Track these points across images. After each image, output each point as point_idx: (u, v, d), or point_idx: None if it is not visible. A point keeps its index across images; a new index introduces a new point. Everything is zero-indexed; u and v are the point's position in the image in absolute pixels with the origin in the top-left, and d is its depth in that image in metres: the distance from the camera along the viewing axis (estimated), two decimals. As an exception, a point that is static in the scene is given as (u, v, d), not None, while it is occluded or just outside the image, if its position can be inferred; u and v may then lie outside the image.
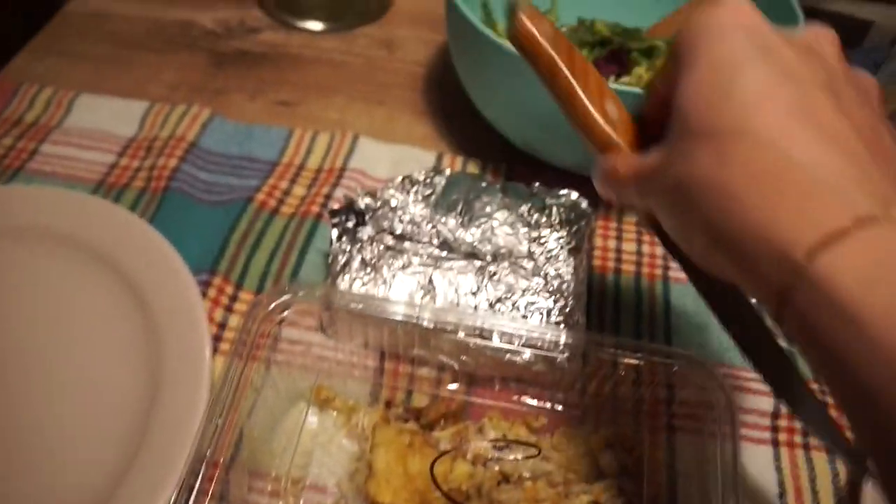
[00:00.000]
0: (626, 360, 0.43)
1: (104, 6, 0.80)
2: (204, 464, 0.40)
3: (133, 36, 0.77)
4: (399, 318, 0.44)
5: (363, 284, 0.49)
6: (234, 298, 0.55)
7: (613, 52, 0.63)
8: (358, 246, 0.51)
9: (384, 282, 0.49)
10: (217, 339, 0.53)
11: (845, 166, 0.26)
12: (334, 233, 0.52)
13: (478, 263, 0.49)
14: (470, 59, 0.60)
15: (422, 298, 0.48)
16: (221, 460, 0.42)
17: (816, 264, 0.24)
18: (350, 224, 0.53)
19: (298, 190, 0.63)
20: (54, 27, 0.77)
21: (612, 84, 0.61)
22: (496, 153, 0.65)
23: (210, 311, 0.54)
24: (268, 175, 0.64)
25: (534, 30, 0.36)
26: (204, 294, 0.55)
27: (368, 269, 0.49)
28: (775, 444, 0.49)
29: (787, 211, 0.26)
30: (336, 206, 0.56)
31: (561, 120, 0.54)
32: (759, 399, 0.51)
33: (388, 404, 0.49)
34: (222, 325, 0.54)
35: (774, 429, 0.50)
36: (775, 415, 0.51)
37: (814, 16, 0.82)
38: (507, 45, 0.53)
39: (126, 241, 0.55)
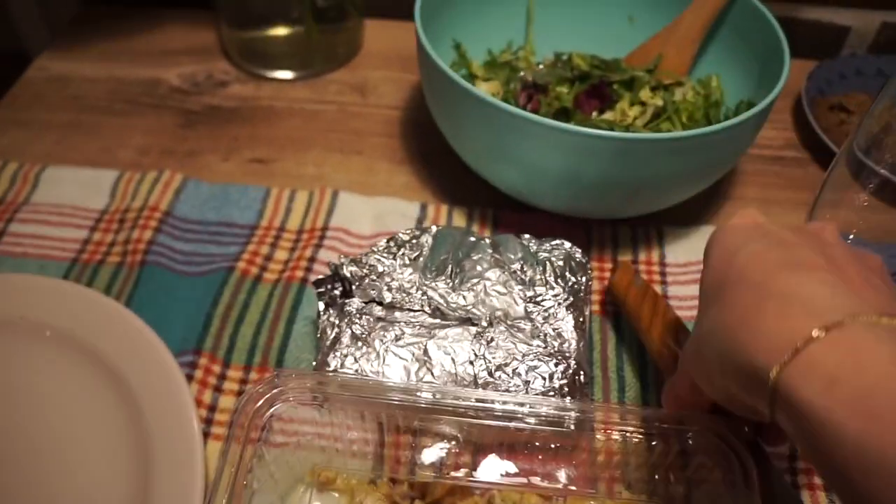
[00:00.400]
0: (637, 430, 0.41)
1: (65, 69, 0.77)
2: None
3: (97, 99, 0.74)
4: (395, 400, 0.42)
5: (355, 360, 0.47)
6: (222, 377, 0.53)
7: (594, 87, 0.62)
8: (346, 319, 0.48)
9: (377, 356, 0.47)
10: (208, 422, 0.51)
11: (820, 289, 0.31)
12: (320, 305, 0.50)
13: (473, 329, 0.47)
14: (446, 109, 0.58)
15: (417, 372, 0.46)
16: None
17: (785, 377, 0.28)
18: (337, 292, 0.51)
19: (280, 254, 0.60)
20: (14, 96, 0.74)
21: (595, 117, 0.60)
22: (481, 198, 0.64)
23: (199, 393, 0.52)
24: (248, 240, 0.61)
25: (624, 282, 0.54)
26: (191, 376, 0.52)
27: (360, 344, 0.47)
28: (795, 487, 0.48)
29: (765, 333, 0.30)
30: (320, 271, 0.53)
31: (543, 166, 0.53)
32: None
33: (393, 481, 0.47)
34: (212, 408, 0.52)
35: (793, 471, 0.49)
36: (792, 457, 0.49)
37: (792, 24, 0.81)
38: (481, 92, 0.52)
39: (105, 328, 0.52)
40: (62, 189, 0.66)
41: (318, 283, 0.51)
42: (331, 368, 0.47)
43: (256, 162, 0.68)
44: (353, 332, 0.48)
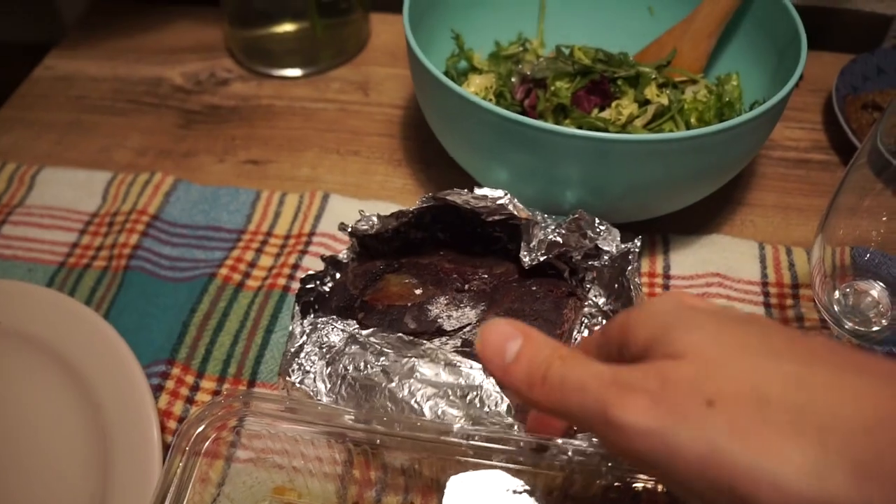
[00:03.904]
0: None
1: (71, 68, 0.77)
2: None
3: (100, 99, 0.73)
4: (347, 431, 0.40)
5: (313, 380, 0.44)
6: (195, 388, 0.52)
7: (595, 83, 0.58)
8: (317, 331, 0.46)
9: (339, 378, 0.44)
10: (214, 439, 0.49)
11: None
12: (297, 308, 0.48)
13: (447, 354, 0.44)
14: (432, 106, 0.56)
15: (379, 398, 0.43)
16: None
17: None
18: (312, 298, 0.49)
19: (265, 260, 0.59)
20: (20, 96, 0.74)
21: (595, 115, 0.56)
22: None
23: (169, 404, 0.51)
24: (234, 245, 0.60)
25: None
26: (161, 387, 0.51)
27: (323, 362, 0.45)
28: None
29: None
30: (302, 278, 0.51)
31: (530, 167, 0.50)
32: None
33: (356, 507, 0.45)
34: (182, 420, 0.50)
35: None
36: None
37: (830, 15, 0.75)
38: (458, 87, 0.49)
39: (75, 334, 0.51)
40: (56, 191, 0.65)
41: (305, 280, 0.49)
42: (291, 380, 0.45)
43: (251, 163, 0.66)
44: (319, 345, 0.45)
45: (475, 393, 0.41)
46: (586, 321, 0.51)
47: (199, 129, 0.70)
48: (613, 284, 0.49)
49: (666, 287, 0.56)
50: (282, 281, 0.57)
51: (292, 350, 0.46)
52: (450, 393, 0.41)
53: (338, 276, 0.51)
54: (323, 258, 0.51)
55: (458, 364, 0.42)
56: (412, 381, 0.41)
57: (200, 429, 0.40)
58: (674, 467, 0.25)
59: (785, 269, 0.57)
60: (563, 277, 0.50)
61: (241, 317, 0.55)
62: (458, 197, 0.48)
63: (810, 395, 0.24)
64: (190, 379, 0.52)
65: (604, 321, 0.50)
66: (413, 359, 0.42)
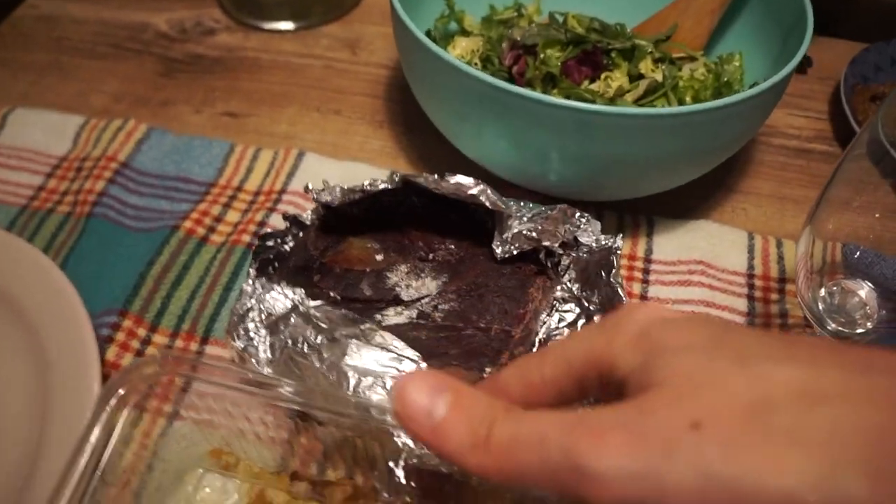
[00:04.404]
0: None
1: (55, 9, 0.74)
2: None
3: (81, 41, 0.71)
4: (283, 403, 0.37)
5: (256, 345, 0.42)
6: (146, 342, 0.50)
7: (587, 53, 0.55)
8: (266, 296, 0.43)
9: (279, 348, 0.42)
10: (145, 395, 0.47)
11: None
12: (252, 269, 0.46)
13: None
14: (409, 64, 0.53)
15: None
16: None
17: None
18: (272, 256, 0.47)
19: (232, 215, 0.56)
20: (0, 35, 0.72)
21: (585, 87, 0.53)
22: (458, 171, 0.58)
23: (117, 356, 0.49)
24: (201, 199, 0.57)
25: None
26: (111, 338, 0.49)
27: (266, 330, 0.42)
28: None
29: None
30: (261, 234, 0.49)
31: (509, 137, 0.47)
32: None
33: (296, 476, 0.42)
34: (152, 383, 0.48)
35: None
36: None
37: (850, 1, 0.72)
38: (446, 55, 0.46)
39: (23, 276, 0.49)
40: (27, 132, 0.63)
41: (265, 237, 0.47)
42: (235, 344, 0.43)
43: (228, 116, 0.64)
44: (265, 311, 0.43)
45: None
46: (557, 305, 0.48)
47: (180, 78, 0.67)
48: (591, 275, 0.47)
49: (646, 272, 0.53)
50: (246, 238, 0.54)
51: (240, 312, 0.44)
52: (379, 383, 0.38)
53: (301, 235, 0.49)
54: (286, 216, 0.49)
55: (396, 350, 0.39)
56: (342, 365, 0.39)
57: (130, 383, 0.38)
58: None
59: (773, 262, 0.55)
60: (538, 259, 0.48)
61: (202, 272, 0.53)
62: (427, 182, 0.45)
63: (816, 400, 0.21)
64: (142, 332, 0.50)
65: (576, 308, 0.47)
66: (350, 340, 0.39)
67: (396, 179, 0.45)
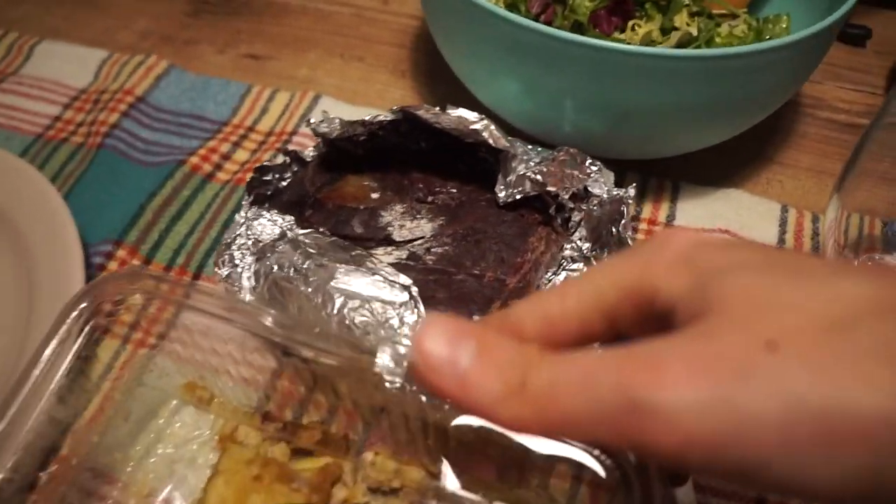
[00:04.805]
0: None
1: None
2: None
3: (116, -23, 0.71)
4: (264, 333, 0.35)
5: (243, 273, 0.40)
6: (139, 274, 0.48)
7: (618, 2, 0.51)
8: (254, 226, 0.42)
9: (264, 275, 0.40)
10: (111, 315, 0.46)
11: None
12: (245, 201, 0.44)
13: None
14: (438, 15, 0.50)
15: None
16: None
17: None
18: (269, 192, 0.45)
19: (240, 154, 0.55)
20: (37, -32, 0.72)
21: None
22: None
23: (108, 285, 0.48)
24: (212, 136, 0.56)
25: None
26: (103, 266, 0.48)
27: (251, 259, 0.41)
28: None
29: None
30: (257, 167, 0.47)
31: (528, 80, 0.44)
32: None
33: (267, 416, 0.41)
34: (119, 302, 0.47)
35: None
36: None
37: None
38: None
39: (22, 197, 0.49)
40: (51, 64, 0.63)
41: (261, 170, 0.45)
42: (220, 272, 0.41)
43: (250, 57, 0.63)
44: (253, 238, 0.41)
45: (395, 312, 0.36)
46: (565, 263, 0.45)
47: (207, 18, 0.66)
48: (601, 233, 0.43)
49: (665, 237, 0.50)
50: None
51: (228, 240, 0.42)
52: (366, 307, 0.36)
53: (299, 171, 0.47)
54: (285, 151, 0.47)
55: (387, 276, 0.37)
56: (328, 287, 0.36)
57: (94, 300, 0.36)
58: (745, 447, 0.18)
59: (807, 238, 0.51)
60: (547, 211, 0.45)
61: (203, 208, 0.52)
62: (428, 114, 0.42)
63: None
64: (135, 263, 0.49)
65: (585, 268, 0.44)
66: (339, 265, 0.37)
67: (397, 109, 0.43)
